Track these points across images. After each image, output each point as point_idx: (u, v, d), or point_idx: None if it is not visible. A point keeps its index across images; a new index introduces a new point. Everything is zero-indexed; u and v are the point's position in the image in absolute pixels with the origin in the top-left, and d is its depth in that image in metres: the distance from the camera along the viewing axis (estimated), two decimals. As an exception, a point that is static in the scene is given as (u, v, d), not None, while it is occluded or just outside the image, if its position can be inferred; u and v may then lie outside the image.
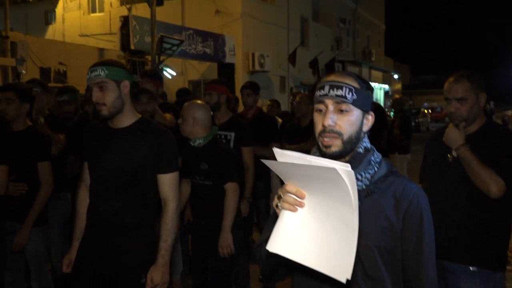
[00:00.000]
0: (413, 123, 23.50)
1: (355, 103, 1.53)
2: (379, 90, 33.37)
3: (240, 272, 4.37)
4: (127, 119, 2.56)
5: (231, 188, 3.32)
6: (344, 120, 1.53)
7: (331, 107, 1.53)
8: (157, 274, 2.47)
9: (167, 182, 2.57)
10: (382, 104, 26.36)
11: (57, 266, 3.94)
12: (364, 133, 1.60)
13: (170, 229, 2.53)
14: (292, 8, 21.21)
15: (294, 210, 1.38)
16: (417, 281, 1.59)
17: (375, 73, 32.01)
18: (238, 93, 6.05)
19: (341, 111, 1.53)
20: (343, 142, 1.53)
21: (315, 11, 24.73)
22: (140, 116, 2.64)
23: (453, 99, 2.56)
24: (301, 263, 1.37)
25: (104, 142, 2.59)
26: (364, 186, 1.55)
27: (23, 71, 11.04)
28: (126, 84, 2.50)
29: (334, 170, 1.24)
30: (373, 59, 30.60)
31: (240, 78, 17.47)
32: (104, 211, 2.54)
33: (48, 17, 20.97)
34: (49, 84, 11.22)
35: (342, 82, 1.54)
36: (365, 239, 1.52)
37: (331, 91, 1.53)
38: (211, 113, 3.59)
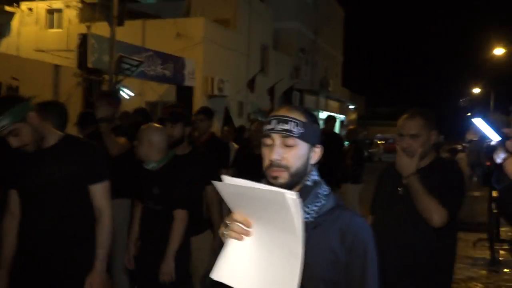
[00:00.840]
0: (366, 153, 24.11)
1: (301, 137, 1.56)
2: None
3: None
4: (50, 140, 2.57)
5: (179, 215, 3.29)
6: (291, 154, 1.55)
7: (277, 141, 1.55)
8: (95, 279, 2.55)
9: (98, 192, 2.61)
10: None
11: None
12: (312, 166, 1.62)
13: (107, 237, 2.63)
14: (253, 35, 21.52)
15: (240, 239, 1.39)
16: None
17: (331, 102, 32.69)
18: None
19: (288, 145, 1.55)
20: (290, 175, 1.55)
21: (276, 40, 25.19)
22: (63, 134, 2.66)
23: (407, 135, 2.64)
24: None
25: (31, 164, 2.56)
26: (311, 219, 1.57)
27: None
28: (32, 116, 2.45)
29: (281, 194, 1.26)
30: (330, 89, 31.30)
31: (199, 101, 17.46)
32: (41, 227, 2.53)
33: (2, 30, 20.43)
34: None
35: (288, 117, 1.56)
36: (312, 271, 1.53)
37: (278, 126, 1.55)
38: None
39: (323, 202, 1.60)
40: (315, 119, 1.63)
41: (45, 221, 2.52)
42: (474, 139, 3.20)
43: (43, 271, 2.51)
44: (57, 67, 13.48)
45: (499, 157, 1.42)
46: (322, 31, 29.97)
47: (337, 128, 30.46)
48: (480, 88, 34.58)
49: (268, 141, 1.57)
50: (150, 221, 3.39)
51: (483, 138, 2.10)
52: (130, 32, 16.17)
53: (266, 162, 1.57)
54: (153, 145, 3.32)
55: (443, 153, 10.70)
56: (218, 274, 1.40)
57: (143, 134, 3.37)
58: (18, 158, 2.58)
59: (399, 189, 2.67)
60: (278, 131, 1.55)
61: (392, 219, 2.66)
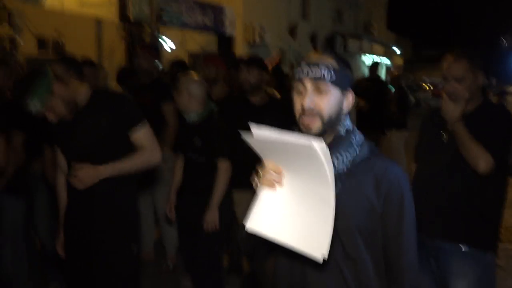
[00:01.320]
0: (413, 99, 23.46)
1: (334, 82, 1.52)
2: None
3: (234, 250, 4.39)
4: (82, 100, 2.56)
5: (223, 166, 3.30)
6: (323, 101, 1.51)
7: (309, 87, 1.52)
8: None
9: (139, 136, 2.58)
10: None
11: (46, 242, 3.97)
12: (345, 113, 1.58)
13: (136, 160, 2.58)
14: (293, -21, 20.87)
15: (273, 187, 1.38)
16: (397, 263, 1.60)
17: (376, 46, 31.70)
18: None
19: (320, 91, 1.51)
20: (323, 123, 1.52)
21: (317, -17, 24.36)
22: (91, 90, 2.64)
23: (452, 78, 2.54)
24: (278, 241, 1.38)
25: (70, 129, 2.60)
26: (345, 167, 1.55)
27: (21, 42, 10.90)
28: (57, 87, 2.44)
29: (310, 146, 1.24)
30: (374, 32, 30.27)
31: (241, 50, 17.31)
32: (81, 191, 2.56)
33: (46, -14, 20.59)
34: (48, 57, 11.16)
35: (320, 62, 1.52)
36: (346, 220, 1.53)
37: (309, 72, 1.51)
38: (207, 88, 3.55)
39: (357, 151, 1.57)
40: (347, 64, 1.58)
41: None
42: None
43: (89, 229, 2.60)
44: (99, 22, 13.56)
45: None
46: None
47: (383, 73, 29.78)
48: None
49: (299, 86, 1.54)
50: (193, 173, 3.44)
51: None
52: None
53: (298, 109, 1.54)
54: (193, 96, 3.30)
55: (492, 96, 10.29)
56: (251, 224, 1.41)
57: (182, 84, 3.33)
58: (58, 123, 2.62)
59: (444, 135, 2.59)
60: (310, 77, 1.51)
61: (437, 166, 2.59)
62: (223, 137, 3.33)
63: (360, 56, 29.62)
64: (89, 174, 2.43)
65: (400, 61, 39.77)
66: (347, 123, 1.60)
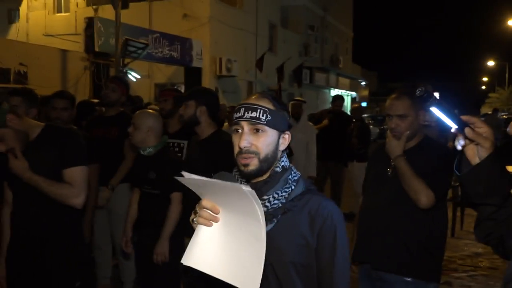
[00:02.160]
0: (378, 130, 23.94)
1: (269, 124, 1.59)
2: (346, 96, 33.84)
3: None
4: (33, 133, 2.58)
5: (175, 197, 3.33)
6: (260, 141, 1.59)
7: (246, 128, 1.59)
8: None
9: (72, 175, 2.57)
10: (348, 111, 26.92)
11: None
12: (282, 152, 1.65)
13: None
14: (260, 13, 21.36)
15: (209, 225, 1.45)
16: None
17: (342, 80, 32.47)
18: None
19: (257, 131, 1.59)
20: (260, 161, 1.59)
21: (284, 17, 24.96)
22: (44, 125, 2.66)
23: (394, 115, 2.64)
24: (213, 276, 1.42)
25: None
26: (280, 204, 1.60)
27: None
28: (10, 118, 2.46)
29: (239, 187, 1.32)
30: (340, 66, 31.04)
31: (207, 82, 17.47)
32: (27, 221, 2.58)
33: (12, 16, 20.49)
34: (8, 85, 11.04)
35: (256, 105, 1.61)
36: (281, 255, 1.59)
37: (246, 113, 1.60)
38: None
39: (292, 187, 1.63)
40: (284, 107, 1.67)
41: (33, 211, 2.57)
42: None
43: (35, 259, 2.57)
44: (64, 52, 13.52)
45: (459, 144, 1.43)
46: (331, 7, 29.61)
47: (348, 106, 30.38)
48: (494, 61, 33.98)
49: (237, 127, 1.62)
50: (148, 205, 3.45)
51: (441, 125, 2.11)
52: (137, 14, 16.16)
53: (236, 149, 1.61)
54: (152, 131, 3.36)
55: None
56: (188, 260, 1.45)
57: (141, 120, 3.39)
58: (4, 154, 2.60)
59: (388, 170, 2.68)
60: (246, 119, 1.59)
61: (382, 200, 2.68)
62: (176, 170, 3.35)
63: (328, 90, 30.22)
64: (19, 164, 2.46)
65: (365, 93, 40.71)
66: (284, 161, 1.67)
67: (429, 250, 2.62)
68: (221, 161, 2.61)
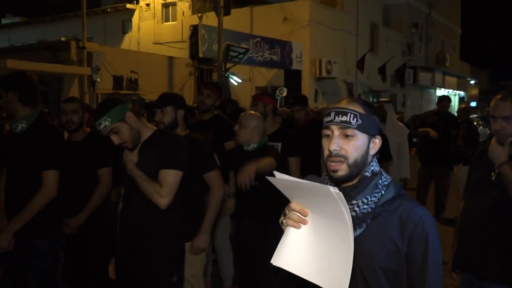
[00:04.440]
0: (488, 131, 22.49)
1: (359, 128, 1.59)
2: (454, 96, 32.17)
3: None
4: (144, 135, 2.79)
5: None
6: (350, 145, 1.59)
7: (336, 132, 1.60)
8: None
9: (161, 176, 2.70)
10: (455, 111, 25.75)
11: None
12: (372, 156, 1.64)
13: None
14: (361, 13, 20.98)
15: (298, 227, 1.47)
16: None
17: (449, 78, 30.88)
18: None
19: (347, 136, 1.59)
20: (349, 166, 1.59)
21: (386, 16, 24.31)
22: (155, 128, 2.86)
23: (499, 117, 2.51)
24: (302, 277, 1.45)
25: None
26: (369, 209, 1.59)
27: (98, 79, 11.71)
28: (129, 115, 2.69)
29: (327, 188, 1.34)
30: (447, 64, 29.57)
31: (307, 84, 17.54)
32: (134, 218, 2.78)
33: (125, 26, 22.04)
34: (122, 91, 11.88)
35: (346, 109, 1.61)
36: (370, 260, 1.57)
37: (336, 117, 1.61)
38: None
39: (382, 192, 1.62)
40: (374, 111, 1.66)
41: (140, 209, 2.76)
42: None
43: (139, 253, 2.78)
44: (171, 59, 14.28)
45: None
46: (437, 3, 28.31)
47: (455, 106, 28.84)
48: None
49: (327, 131, 1.63)
50: (246, 197, 3.63)
51: None
52: (239, 20, 16.64)
53: (325, 153, 1.62)
54: (256, 130, 3.62)
55: None
56: (278, 261, 1.50)
57: (248, 120, 3.65)
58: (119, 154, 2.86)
59: (492, 174, 2.55)
60: (336, 123, 1.60)
61: (484, 206, 2.54)
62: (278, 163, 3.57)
63: (433, 90, 28.94)
64: (128, 156, 2.73)
65: (475, 92, 38.42)
66: (374, 165, 1.66)
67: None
68: (191, 159, 2.86)
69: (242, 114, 3.78)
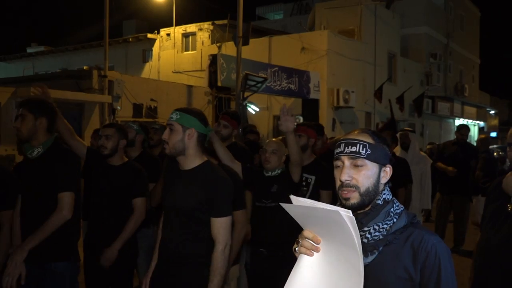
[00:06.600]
0: (509, 162, 22.15)
1: (369, 157, 1.64)
2: (473, 126, 31.86)
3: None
4: (190, 163, 2.77)
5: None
6: (360, 174, 1.63)
7: (347, 163, 1.65)
8: None
9: (217, 225, 2.71)
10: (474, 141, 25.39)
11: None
12: (384, 185, 1.66)
13: (216, 270, 2.66)
14: (379, 44, 21.10)
15: (310, 255, 1.50)
16: None
17: (468, 108, 30.67)
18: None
19: (357, 166, 1.63)
20: (361, 195, 1.62)
21: (404, 47, 24.39)
22: (205, 159, 2.83)
23: None
24: None
25: (172, 180, 2.84)
26: (381, 236, 1.61)
27: (118, 107, 11.91)
28: (191, 132, 2.71)
29: (337, 212, 1.36)
30: (466, 94, 29.41)
31: (325, 113, 17.58)
32: (168, 241, 2.80)
33: (146, 55, 22.48)
34: (141, 119, 12.06)
35: (356, 139, 1.66)
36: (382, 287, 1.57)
37: (346, 148, 1.66)
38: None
39: (394, 220, 1.64)
40: (383, 141, 1.70)
41: (180, 234, 2.77)
42: None
43: (175, 276, 2.82)
44: (189, 88, 14.49)
45: None
46: (455, 34, 28.36)
47: (474, 136, 28.54)
48: None
49: (338, 163, 1.68)
50: (265, 220, 3.80)
51: None
52: (257, 49, 16.87)
53: (337, 183, 1.67)
54: (277, 155, 3.81)
55: None
56: (291, 287, 1.52)
57: (282, 148, 3.84)
58: (170, 170, 2.91)
59: (508, 205, 2.53)
60: (346, 154, 1.65)
61: (501, 238, 2.51)
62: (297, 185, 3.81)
63: (452, 120, 28.75)
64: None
65: (495, 122, 38.06)
66: (386, 194, 1.68)
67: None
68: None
69: (272, 141, 3.89)
